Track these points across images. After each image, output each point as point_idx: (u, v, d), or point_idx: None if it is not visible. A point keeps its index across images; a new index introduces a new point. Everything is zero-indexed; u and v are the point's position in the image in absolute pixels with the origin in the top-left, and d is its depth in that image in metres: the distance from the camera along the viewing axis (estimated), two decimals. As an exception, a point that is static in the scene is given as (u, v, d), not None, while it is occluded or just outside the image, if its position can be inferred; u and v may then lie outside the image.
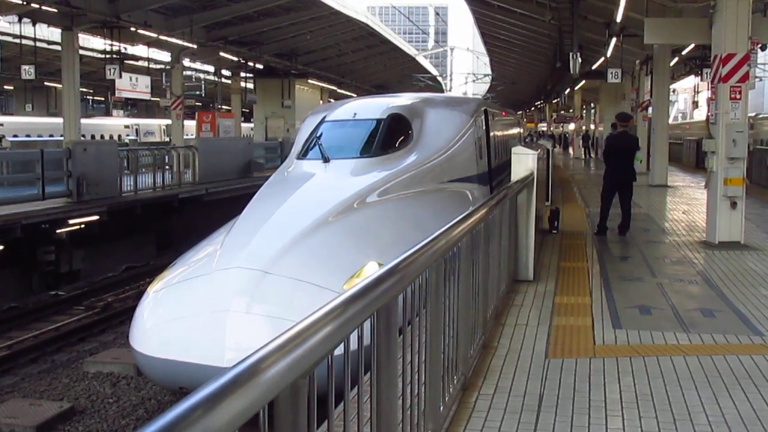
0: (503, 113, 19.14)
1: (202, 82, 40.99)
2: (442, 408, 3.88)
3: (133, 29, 24.00)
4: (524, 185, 7.88)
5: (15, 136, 29.98)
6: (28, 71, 22.48)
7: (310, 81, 38.97)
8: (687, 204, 15.93)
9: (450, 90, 71.10)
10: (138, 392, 9.35)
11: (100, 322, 12.85)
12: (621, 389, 4.70)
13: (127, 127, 39.73)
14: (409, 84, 52.65)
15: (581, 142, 40.46)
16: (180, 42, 26.95)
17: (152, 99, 35.01)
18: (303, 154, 9.75)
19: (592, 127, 44.58)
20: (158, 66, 32.65)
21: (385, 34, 39.72)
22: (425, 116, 10.55)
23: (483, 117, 12.40)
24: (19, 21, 23.72)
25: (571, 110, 50.95)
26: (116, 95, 32.99)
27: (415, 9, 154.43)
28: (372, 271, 3.99)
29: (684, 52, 22.34)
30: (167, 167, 19.50)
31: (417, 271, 3.11)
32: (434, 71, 63.79)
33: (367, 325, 2.40)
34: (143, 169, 18.40)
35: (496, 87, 65.69)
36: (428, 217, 8.28)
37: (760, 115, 35.54)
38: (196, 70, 38.97)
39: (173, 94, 29.31)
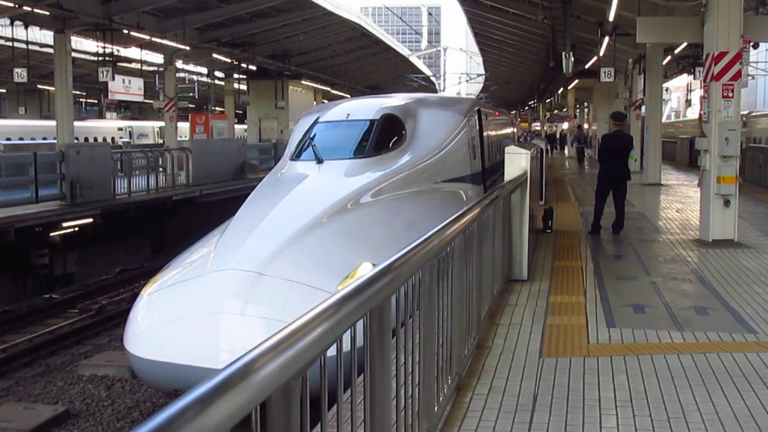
0: (497, 113, 19.17)
1: (195, 83, 40.91)
2: (436, 408, 3.87)
3: (125, 31, 23.95)
4: (518, 185, 7.89)
5: (8, 139, 29.87)
6: (20, 74, 22.40)
7: (303, 82, 38.95)
8: (681, 202, 15.96)
9: (443, 90, 71.10)
10: (133, 395, 9.34)
11: (94, 325, 12.83)
12: (615, 388, 4.71)
13: (120, 129, 39.61)
14: (402, 84, 52.70)
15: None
16: (173, 44, 26.91)
17: (145, 101, 34.94)
18: (296, 155, 9.74)
19: (586, 126, 44.67)
20: (151, 68, 32.59)
21: (378, 34, 39.71)
22: (418, 117, 10.55)
23: (476, 117, 12.42)
24: (11, 24, 23.64)
25: (564, 109, 51.08)
26: (109, 98, 32.97)
27: (408, 9, 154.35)
28: (366, 271, 3.99)
29: (676, 51, 22.39)
30: (161, 169, 19.48)
31: (410, 271, 3.10)
32: (427, 71, 63.76)
33: (360, 325, 2.39)
34: (137, 172, 18.37)
35: (490, 87, 65.82)
36: (422, 217, 8.26)
37: (753, 113, 35.64)
38: (189, 72, 38.88)
39: (166, 96, 29.23)
